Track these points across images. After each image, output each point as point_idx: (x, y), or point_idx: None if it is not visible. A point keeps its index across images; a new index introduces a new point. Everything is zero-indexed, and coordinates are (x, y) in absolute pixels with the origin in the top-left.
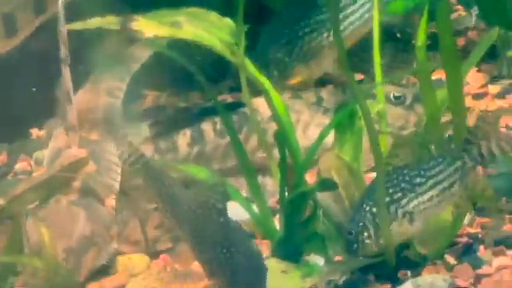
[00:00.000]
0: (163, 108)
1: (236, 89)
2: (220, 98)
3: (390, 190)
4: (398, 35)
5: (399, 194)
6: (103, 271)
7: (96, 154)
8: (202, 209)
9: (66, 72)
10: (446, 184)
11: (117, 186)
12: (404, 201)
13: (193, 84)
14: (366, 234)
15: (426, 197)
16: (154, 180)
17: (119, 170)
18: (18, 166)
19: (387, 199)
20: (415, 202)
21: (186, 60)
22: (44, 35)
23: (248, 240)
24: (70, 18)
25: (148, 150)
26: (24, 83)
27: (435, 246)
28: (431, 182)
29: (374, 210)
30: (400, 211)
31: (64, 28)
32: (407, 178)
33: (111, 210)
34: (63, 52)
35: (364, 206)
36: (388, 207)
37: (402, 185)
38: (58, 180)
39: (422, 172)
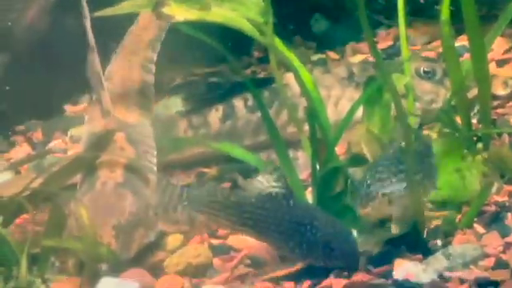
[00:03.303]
0: (195, 83)
1: (265, 60)
2: (250, 70)
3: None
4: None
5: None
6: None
7: (133, 137)
8: (270, 202)
9: (95, 58)
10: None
11: (155, 168)
12: (383, 184)
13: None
14: (358, 201)
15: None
16: (207, 204)
17: (155, 153)
18: (54, 144)
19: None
20: (392, 187)
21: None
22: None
23: (318, 209)
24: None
25: (181, 125)
26: (58, 59)
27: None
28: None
29: (370, 189)
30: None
31: (88, 17)
32: (387, 167)
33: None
34: (90, 39)
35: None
36: (370, 188)
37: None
38: (85, 158)
39: (399, 163)
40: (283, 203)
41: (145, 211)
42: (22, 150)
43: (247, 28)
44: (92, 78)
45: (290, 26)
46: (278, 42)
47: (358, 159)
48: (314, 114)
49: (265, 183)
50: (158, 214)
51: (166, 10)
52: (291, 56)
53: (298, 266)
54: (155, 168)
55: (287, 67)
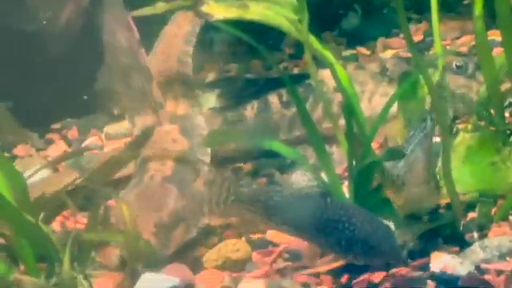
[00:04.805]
0: (231, 79)
1: (296, 56)
2: (282, 66)
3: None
4: None
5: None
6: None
7: (187, 129)
8: (308, 201)
9: (142, 53)
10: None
11: (208, 159)
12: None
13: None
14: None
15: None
16: (252, 202)
17: None
18: (90, 141)
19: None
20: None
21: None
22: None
23: (356, 207)
24: None
25: (216, 121)
26: (92, 59)
27: None
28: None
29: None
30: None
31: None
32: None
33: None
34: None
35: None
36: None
37: None
38: (125, 155)
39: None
40: (321, 202)
41: (190, 206)
42: (58, 148)
43: (285, 26)
44: (140, 72)
45: (319, 21)
46: (313, 39)
47: (394, 153)
48: (350, 110)
49: (302, 181)
50: (206, 207)
51: (205, 8)
52: (326, 53)
53: (339, 262)
54: (208, 159)
55: (320, 63)
